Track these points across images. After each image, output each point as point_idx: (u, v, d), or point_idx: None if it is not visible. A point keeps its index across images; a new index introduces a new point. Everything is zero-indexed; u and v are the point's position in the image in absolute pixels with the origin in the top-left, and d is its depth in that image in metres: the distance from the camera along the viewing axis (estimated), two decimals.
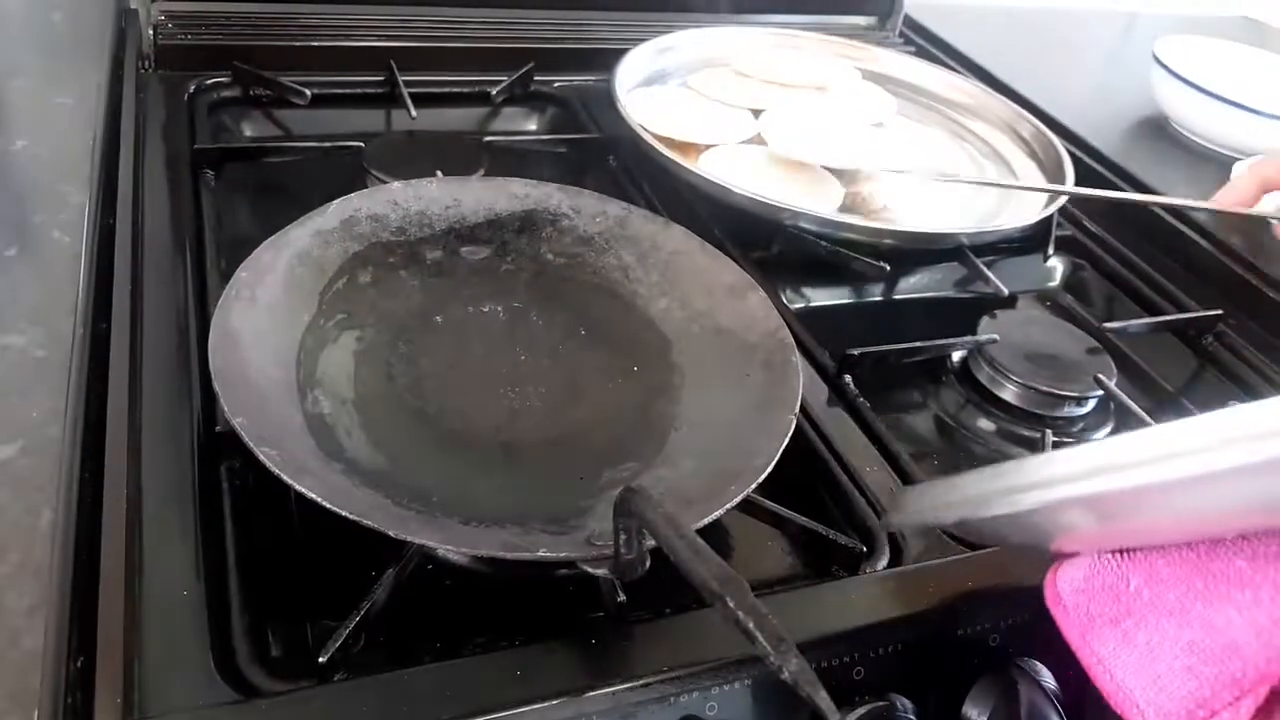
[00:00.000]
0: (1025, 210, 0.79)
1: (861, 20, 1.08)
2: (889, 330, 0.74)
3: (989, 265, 0.75)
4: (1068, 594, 0.33)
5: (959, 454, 0.64)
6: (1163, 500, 0.30)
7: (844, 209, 0.74)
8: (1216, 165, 0.89)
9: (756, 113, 0.84)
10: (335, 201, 0.59)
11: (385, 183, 0.71)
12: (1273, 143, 0.89)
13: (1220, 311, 0.74)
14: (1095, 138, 0.92)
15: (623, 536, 0.40)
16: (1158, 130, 0.98)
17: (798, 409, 0.52)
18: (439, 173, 0.70)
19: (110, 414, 0.47)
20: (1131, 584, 0.31)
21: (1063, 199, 0.77)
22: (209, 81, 0.80)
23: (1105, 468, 0.30)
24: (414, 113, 0.80)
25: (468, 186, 0.64)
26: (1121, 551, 0.33)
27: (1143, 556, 0.33)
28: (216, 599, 0.43)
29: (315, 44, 0.84)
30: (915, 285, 0.77)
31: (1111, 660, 0.30)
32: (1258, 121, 0.88)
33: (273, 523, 0.48)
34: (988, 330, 0.67)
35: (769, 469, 0.48)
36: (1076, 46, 1.20)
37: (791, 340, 0.56)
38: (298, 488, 0.42)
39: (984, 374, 0.66)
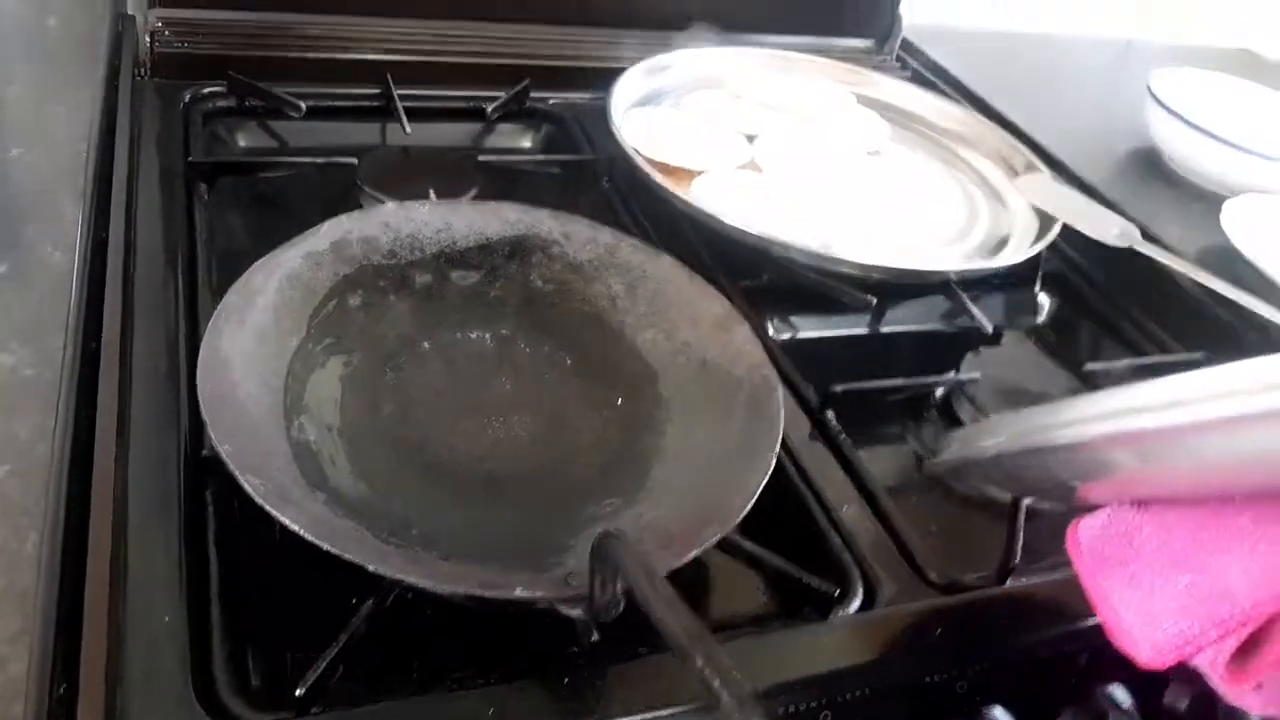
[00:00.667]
0: (1017, 239, 0.80)
1: (859, 43, 1.08)
2: (875, 362, 0.75)
3: (976, 299, 0.76)
4: (1086, 540, 0.36)
5: (937, 491, 0.65)
6: (1188, 442, 0.33)
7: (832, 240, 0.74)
8: (1207, 202, 0.90)
9: (750, 137, 0.85)
10: (327, 223, 0.60)
11: (378, 200, 0.72)
12: (1265, 183, 0.90)
13: (1201, 354, 0.75)
14: (1087, 169, 0.93)
15: (598, 580, 0.41)
16: (1150, 164, 0.98)
17: (778, 448, 0.52)
18: (432, 192, 0.71)
19: (98, 436, 0.48)
20: (1144, 531, 0.34)
21: (1051, 236, 0.78)
22: (204, 91, 0.80)
23: (1139, 408, 0.33)
24: (408, 129, 0.80)
25: (460, 210, 0.64)
26: (1138, 503, 0.36)
27: (1157, 509, 0.35)
28: (198, 626, 0.43)
29: (311, 56, 0.85)
30: (903, 317, 0.77)
31: (1117, 598, 0.33)
32: (1250, 160, 0.89)
33: (257, 548, 0.48)
34: (971, 367, 0.68)
35: (746, 510, 0.49)
36: (1072, 74, 1.21)
37: (775, 377, 0.57)
38: (281, 519, 0.42)
39: (965, 411, 0.67)
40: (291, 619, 0.47)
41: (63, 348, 0.50)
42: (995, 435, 0.48)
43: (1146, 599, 0.33)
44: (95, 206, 0.61)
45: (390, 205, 0.62)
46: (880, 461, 0.65)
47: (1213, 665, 0.33)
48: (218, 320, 0.51)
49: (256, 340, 0.52)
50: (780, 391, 0.55)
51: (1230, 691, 0.34)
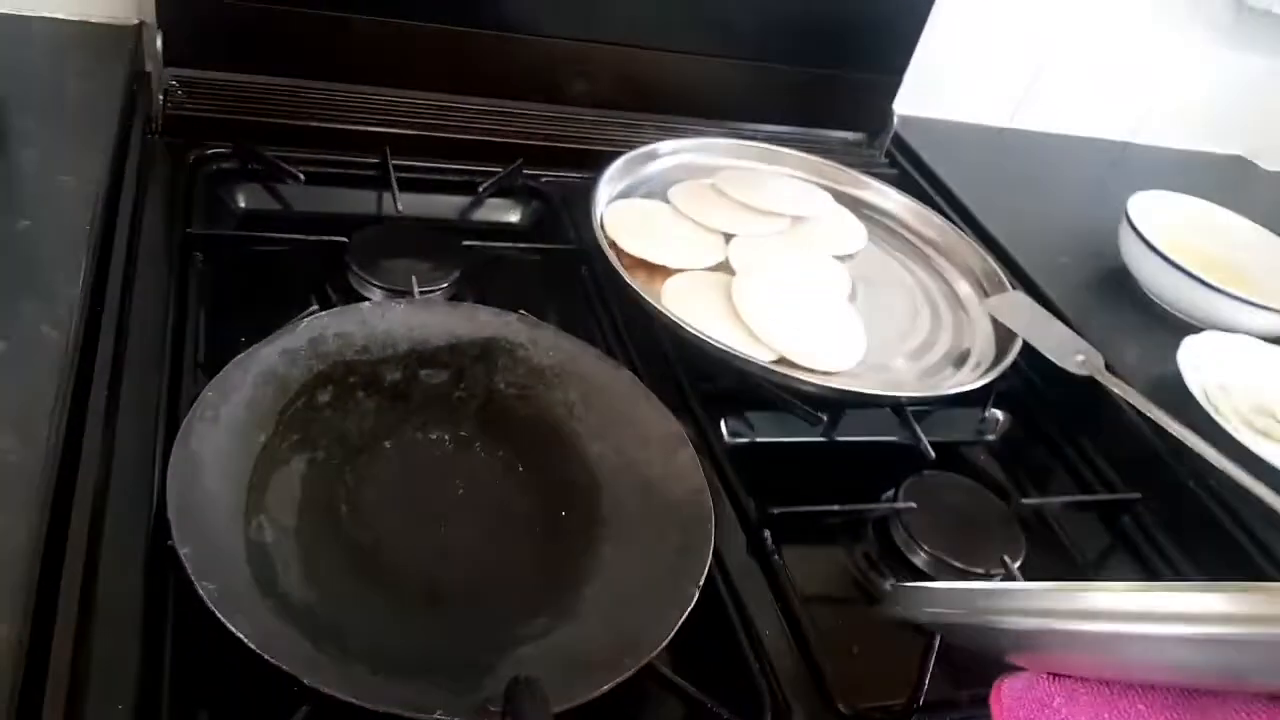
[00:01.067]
0: (978, 354, 0.84)
1: (850, 135, 1.12)
2: (825, 469, 0.79)
3: (928, 414, 0.79)
4: (1007, 698, 0.41)
5: (862, 614, 0.68)
6: (1103, 646, 0.38)
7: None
8: (1172, 329, 0.92)
9: (729, 236, 0.88)
10: (305, 319, 0.63)
11: (365, 279, 0.76)
12: (1229, 317, 0.92)
13: (1139, 495, 0.78)
14: (1059, 285, 0.96)
15: (510, 718, 0.45)
16: (1122, 284, 1.01)
17: (702, 583, 0.56)
18: (414, 278, 0.75)
19: (71, 531, 0.51)
20: (1055, 702, 0.39)
21: (1009, 360, 0.82)
22: (209, 152, 0.84)
23: (1063, 612, 0.38)
24: (400, 206, 0.84)
25: (435, 310, 0.68)
26: (1055, 675, 0.41)
27: (1069, 683, 0.41)
28: (149, 716, 0.47)
29: (315, 124, 0.88)
30: (854, 428, 0.80)
31: None
32: (1213, 297, 0.92)
33: (212, 640, 0.51)
34: (911, 492, 0.72)
35: (664, 643, 0.52)
36: (1063, 178, 1.23)
37: (709, 505, 0.60)
38: (229, 626, 0.46)
39: (900, 536, 0.70)
40: (237, 716, 0.50)
41: (48, 434, 0.54)
42: (934, 605, 0.53)
43: None
44: (94, 281, 0.65)
45: (367, 304, 0.66)
46: (814, 575, 0.69)
47: None
48: (192, 417, 0.55)
49: (227, 437, 0.56)
50: (712, 523, 0.59)
51: None
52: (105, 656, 0.48)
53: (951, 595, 0.52)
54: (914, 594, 0.56)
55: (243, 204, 0.86)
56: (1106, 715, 0.38)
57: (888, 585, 0.67)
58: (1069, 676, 0.42)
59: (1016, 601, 0.43)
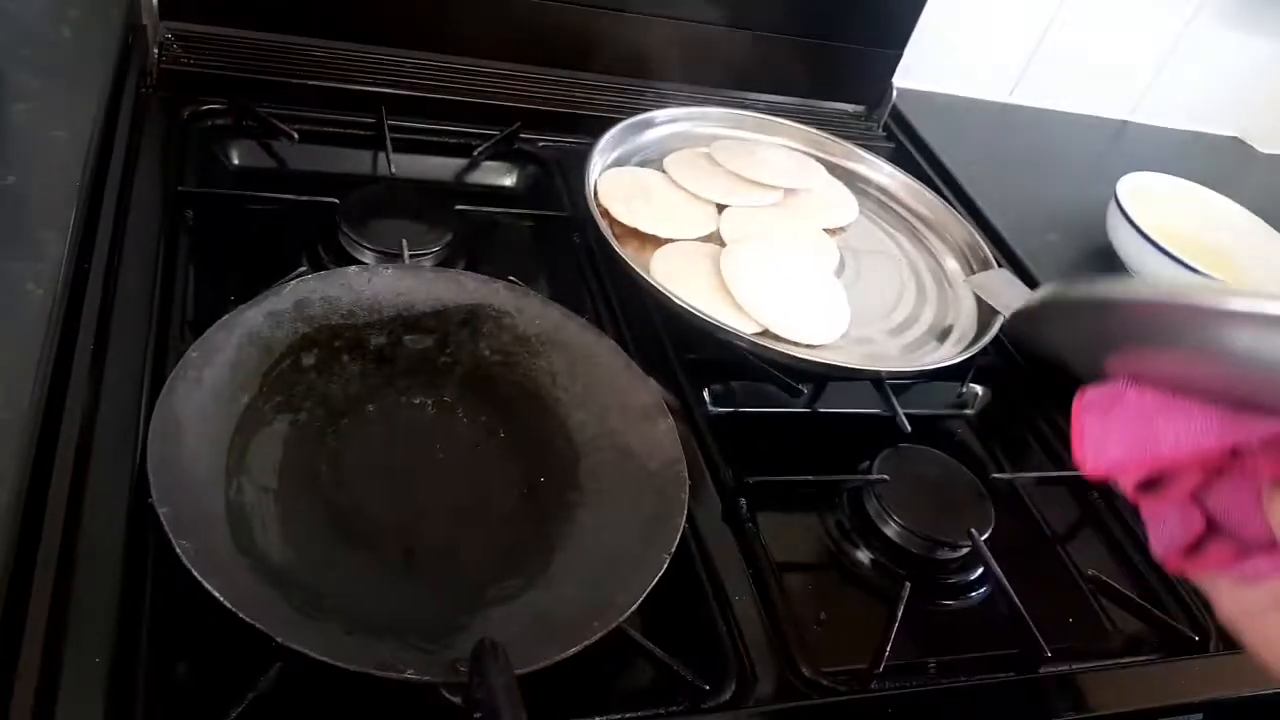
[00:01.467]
0: (960, 330, 0.85)
1: (850, 107, 1.12)
2: (805, 440, 0.80)
3: (908, 388, 0.81)
4: (1088, 396, 0.43)
5: (833, 581, 0.70)
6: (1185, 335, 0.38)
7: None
8: None
9: (721, 206, 0.88)
10: (291, 282, 0.64)
11: (356, 241, 0.76)
12: None
13: None
14: (1046, 264, 0.97)
15: (475, 679, 0.46)
16: (1107, 265, 1.01)
17: (673, 550, 0.57)
18: (405, 242, 0.75)
19: (52, 489, 0.52)
20: (1126, 392, 0.42)
21: (989, 336, 0.82)
22: (204, 108, 0.84)
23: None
24: (393, 168, 0.84)
25: (422, 276, 0.69)
26: (1134, 378, 0.43)
27: (1143, 386, 0.43)
28: (125, 670, 0.49)
29: (311, 83, 0.88)
30: (835, 399, 0.81)
31: (1087, 430, 0.42)
32: (1193, 279, 0.93)
33: (189, 597, 0.52)
34: (886, 464, 0.73)
35: (633, 608, 0.53)
36: (1060, 156, 1.23)
37: (685, 475, 0.61)
38: (205, 585, 0.47)
39: (872, 507, 0.71)
40: (212, 671, 0.52)
41: (31, 392, 0.55)
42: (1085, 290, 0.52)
43: (1104, 432, 0.42)
44: (81, 238, 0.65)
45: (354, 268, 0.67)
46: (785, 545, 0.70)
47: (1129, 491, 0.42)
48: (175, 377, 0.56)
49: (210, 398, 0.57)
50: (686, 493, 0.60)
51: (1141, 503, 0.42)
52: (84, 610, 0.49)
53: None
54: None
55: (237, 161, 0.86)
56: (1166, 403, 0.41)
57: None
58: (1145, 381, 0.43)
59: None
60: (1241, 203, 1.08)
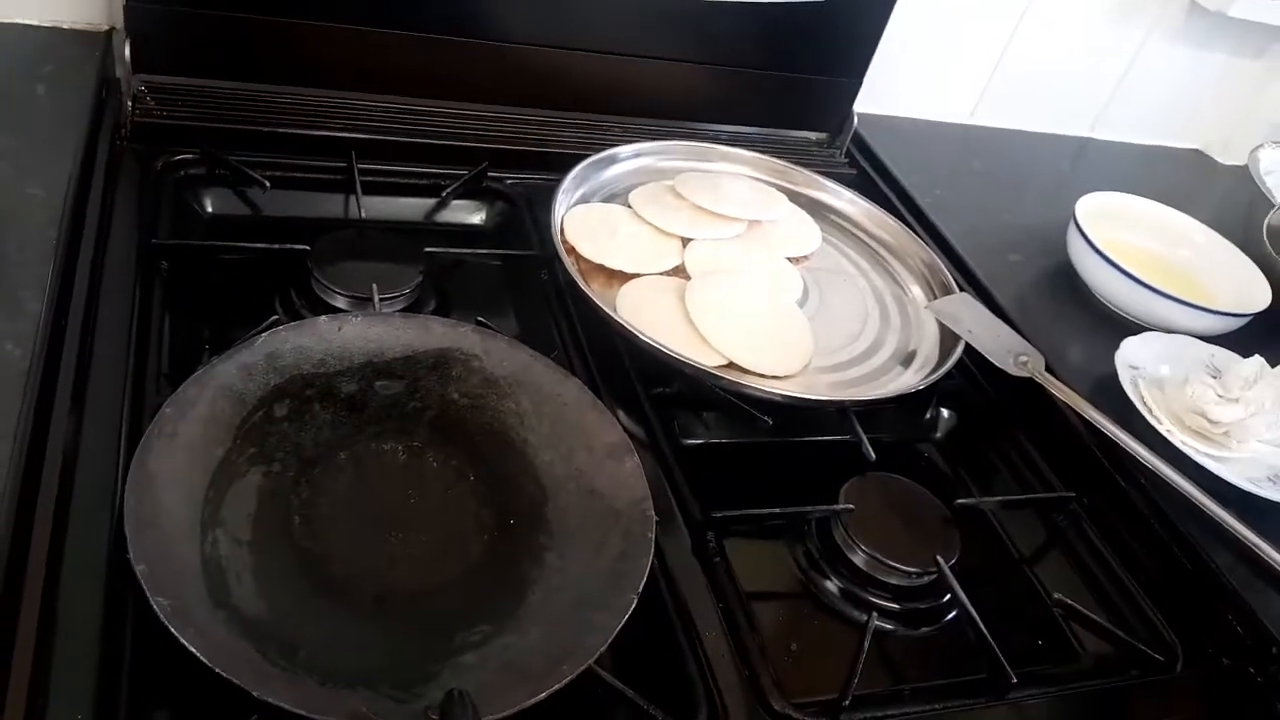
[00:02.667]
0: (924, 355, 0.87)
1: (812, 135, 1.14)
2: (773, 470, 0.82)
3: (874, 414, 0.82)
4: None
5: (802, 611, 0.71)
6: None
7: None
8: (1116, 329, 0.95)
9: (686, 240, 0.90)
10: (263, 334, 0.66)
11: (326, 286, 0.78)
12: (1168, 317, 0.95)
13: (1073, 494, 0.81)
14: (1007, 284, 0.99)
15: None
16: (1068, 285, 1.03)
17: (640, 589, 0.59)
18: (375, 286, 0.77)
19: (34, 541, 0.54)
20: None
21: (951, 361, 0.84)
22: (177, 158, 0.86)
23: None
24: (364, 211, 0.86)
25: (391, 322, 0.70)
26: None
27: None
28: None
29: (281, 130, 0.90)
30: (802, 428, 0.83)
31: None
32: (1152, 298, 0.95)
33: (168, 649, 0.54)
34: (853, 492, 0.75)
35: (601, 650, 0.55)
36: (1022, 173, 1.25)
37: (652, 514, 0.63)
38: (181, 640, 0.49)
39: (839, 536, 0.73)
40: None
41: (10, 453, 0.56)
42: None
43: None
44: (57, 299, 0.67)
45: (324, 318, 0.68)
46: (758, 574, 0.72)
47: None
48: (150, 434, 0.58)
49: (185, 454, 0.59)
50: (653, 532, 0.62)
51: None
52: (65, 666, 0.50)
53: None
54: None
55: (210, 209, 0.88)
56: None
57: None
58: None
59: None
60: (1205, 214, 1.11)
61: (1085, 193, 1.05)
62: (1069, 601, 0.74)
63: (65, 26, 0.91)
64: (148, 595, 0.50)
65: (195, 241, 0.83)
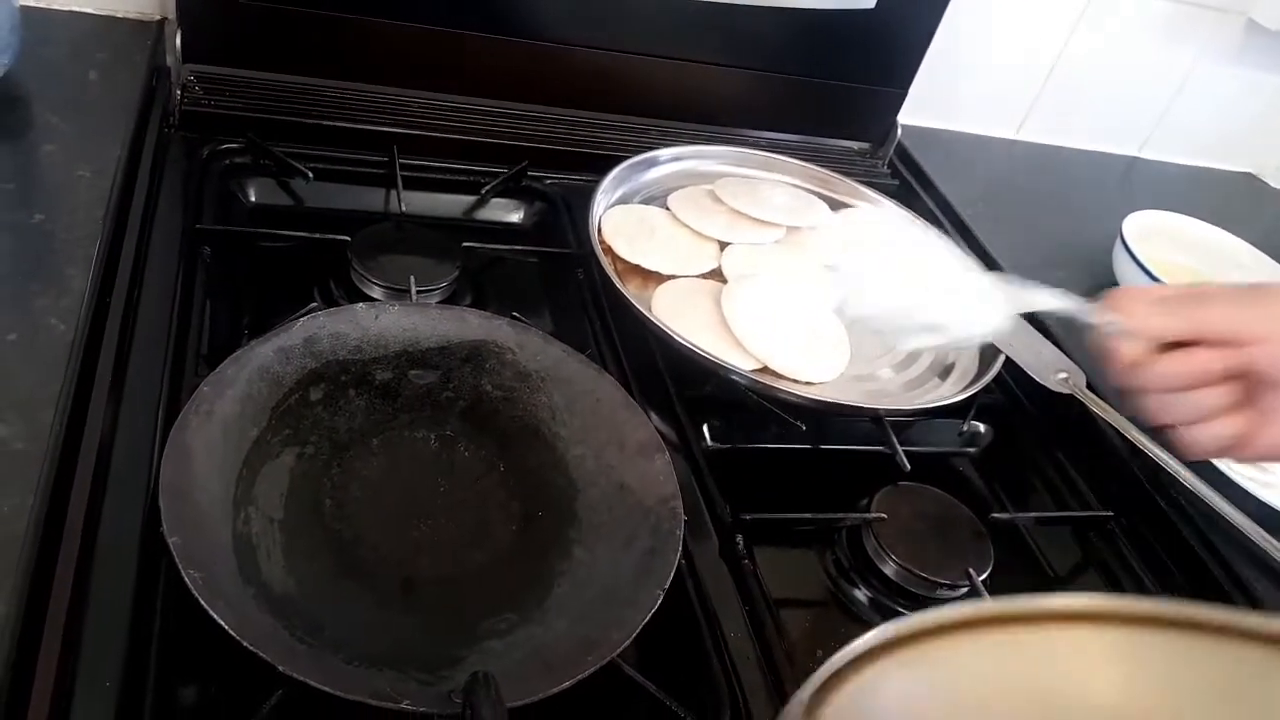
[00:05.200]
0: (961, 369, 0.86)
1: (855, 145, 1.13)
2: (805, 477, 0.81)
3: (909, 425, 0.82)
4: None
5: (830, 619, 0.70)
6: None
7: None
8: None
9: (724, 245, 0.90)
10: (302, 319, 0.66)
11: (366, 277, 0.78)
12: None
13: (1111, 513, 0.80)
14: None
15: (468, 712, 0.48)
16: None
17: (667, 586, 0.58)
18: (413, 278, 0.77)
19: (70, 513, 0.55)
20: None
21: (991, 374, 0.83)
22: (222, 147, 0.87)
23: None
24: (404, 205, 0.87)
25: (427, 313, 0.70)
26: None
27: None
28: (134, 694, 0.50)
29: (325, 122, 0.91)
30: (836, 435, 0.83)
31: None
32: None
33: (198, 621, 0.54)
34: (885, 501, 0.74)
35: (626, 643, 0.55)
36: (1068, 190, 1.24)
37: (681, 512, 0.62)
38: (211, 613, 0.49)
39: (870, 545, 0.72)
40: (216, 696, 0.54)
41: (51, 423, 0.57)
42: None
43: None
44: (103, 274, 0.68)
45: (362, 305, 0.69)
46: (786, 580, 0.71)
47: None
48: (187, 411, 0.58)
49: (220, 432, 0.59)
50: (681, 529, 0.61)
51: None
52: (96, 636, 0.51)
53: None
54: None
55: (253, 198, 0.89)
56: None
57: None
58: None
59: None
60: (1255, 238, 1.09)
61: (1132, 212, 1.03)
62: None
63: (119, 16, 0.93)
64: (179, 568, 0.50)
65: (238, 228, 0.84)
